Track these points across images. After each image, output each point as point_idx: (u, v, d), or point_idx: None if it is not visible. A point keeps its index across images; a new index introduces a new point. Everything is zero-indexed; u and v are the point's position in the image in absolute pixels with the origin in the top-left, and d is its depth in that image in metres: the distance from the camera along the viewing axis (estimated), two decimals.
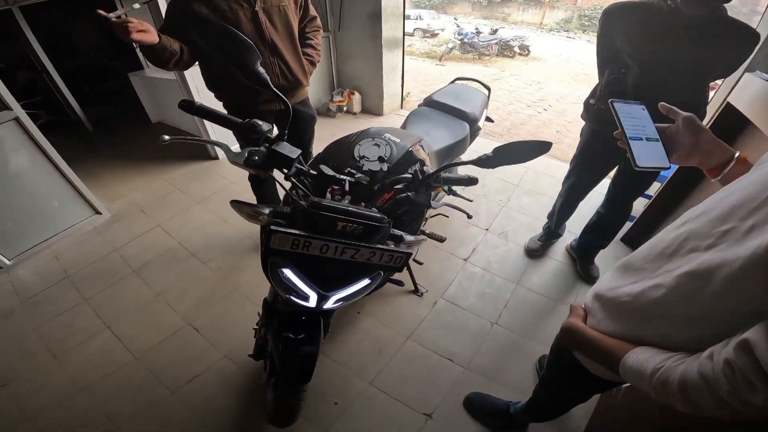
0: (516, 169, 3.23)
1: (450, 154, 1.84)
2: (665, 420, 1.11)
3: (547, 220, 2.40)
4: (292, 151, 0.95)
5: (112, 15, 1.25)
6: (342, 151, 1.25)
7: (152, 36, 1.37)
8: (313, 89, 3.96)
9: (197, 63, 1.71)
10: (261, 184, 2.21)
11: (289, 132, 0.98)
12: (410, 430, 1.60)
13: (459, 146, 1.88)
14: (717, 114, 1.89)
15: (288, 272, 0.93)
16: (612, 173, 1.99)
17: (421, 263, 2.11)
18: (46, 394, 1.71)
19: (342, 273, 0.99)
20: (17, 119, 2.10)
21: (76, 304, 2.11)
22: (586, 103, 1.81)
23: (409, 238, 1.06)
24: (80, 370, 1.80)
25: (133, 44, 1.42)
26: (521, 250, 2.47)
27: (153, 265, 2.35)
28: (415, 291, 2.14)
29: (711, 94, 1.83)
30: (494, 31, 9.02)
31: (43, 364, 1.83)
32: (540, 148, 0.99)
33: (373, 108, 4.14)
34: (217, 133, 3.23)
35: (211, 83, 1.80)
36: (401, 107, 4.33)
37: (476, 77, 2.57)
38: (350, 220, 0.86)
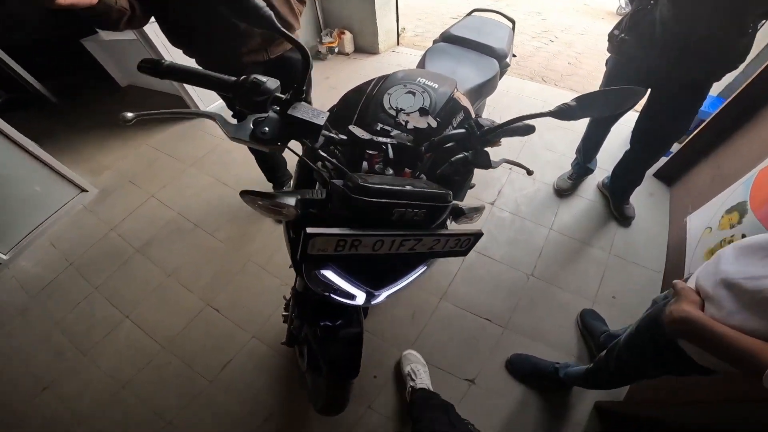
0: (532, 102, 3.02)
1: (480, 95, 1.64)
2: (701, 393, 1.11)
3: (575, 156, 2.27)
4: (317, 115, 0.68)
5: None
6: (367, 104, 1.02)
7: None
8: (298, 32, 3.56)
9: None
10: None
11: (285, 83, 0.71)
12: (454, 398, 1.53)
13: (489, 86, 1.67)
14: None
15: (328, 273, 0.77)
16: (640, 107, 1.81)
17: None
18: (90, 394, 1.65)
19: (393, 263, 0.84)
20: None
21: (88, 293, 1.98)
22: (611, 35, 1.67)
23: (469, 208, 0.89)
24: (114, 365, 1.73)
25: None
26: (550, 189, 2.33)
27: (156, 241, 2.19)
28: None
29: None
30: None
31: (75, 362, 1.75)
32: (631, 95, 0.77)
33: (367, 46, 3.76)
34: (196, 90, 2.89)
35: (175, 37, 1.45)
36: (397, 44, 3.95)
37: (492, 8, 2.24)
38: (412, 204, 0.67)
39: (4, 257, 2.12)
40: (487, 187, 2.33)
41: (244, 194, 0.65)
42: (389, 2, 3.54)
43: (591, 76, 3.53)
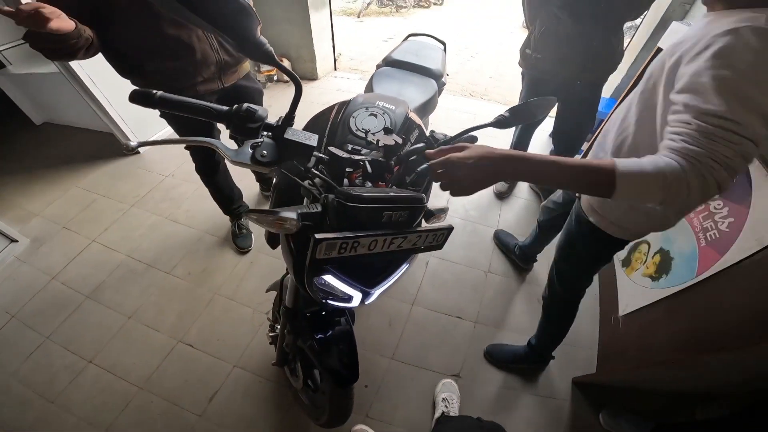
0: (465, 116, 3.33)
1: (425, 113, 1.80)
2: (674, 344, 1.29)
3: None
4: (309, 138, 0.81)
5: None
6: (333, 127, 1.11)
7: (67, 22, 1.05)
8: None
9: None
10: (213, 175, 1.96)
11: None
12: None
13: (431, 104, 1.84)
14: (650, 58, 2.00)
15: (328, 278, 0.85)
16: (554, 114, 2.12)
17: None
18: None
19: (381, 263, 0.94)
20: None
21: (40, 343, 1.81)
22: (523, 52, 1.92)
23: (437, 209, 1.01)
24: (88, 411, 1.61)
25: (30, 39, 1.04)
26: (491, 194, 2.63)
27: (107, 286, 2.04)
28: None
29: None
30: None
31: (44, 411, 1.61)
32: (548, 104, 1.03)
33: (306, 73, 3.87)
34: (129, 125, 2.79)
35: (127, 68, 1.41)
36: (335, 68, 4.11)
37: (424, 32, 2.47)
38: (397, 207, 0.77)
39: None
40: (434, 197, 2.49)
41: (252, 213, 0.72)
42: (325, 29, 3.70)
43: (512, 87, 3.96)
